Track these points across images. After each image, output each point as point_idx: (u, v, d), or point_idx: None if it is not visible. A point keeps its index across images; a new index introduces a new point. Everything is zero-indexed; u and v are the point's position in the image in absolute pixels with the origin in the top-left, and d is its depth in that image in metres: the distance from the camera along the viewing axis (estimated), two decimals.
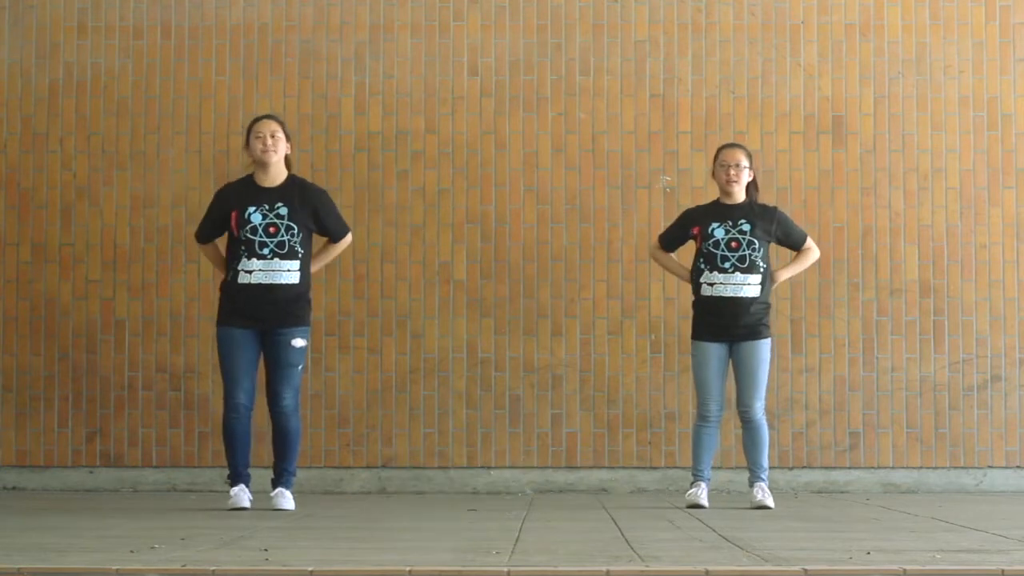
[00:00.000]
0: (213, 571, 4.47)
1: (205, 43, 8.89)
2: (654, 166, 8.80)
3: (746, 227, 7.37)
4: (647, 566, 4.60)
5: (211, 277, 8.64)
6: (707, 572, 4.48)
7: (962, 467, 8.68)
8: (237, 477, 7.09)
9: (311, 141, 8.79)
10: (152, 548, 5.11)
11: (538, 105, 8.84)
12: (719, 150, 7.56)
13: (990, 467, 8.69)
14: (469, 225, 8.79)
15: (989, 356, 8.73)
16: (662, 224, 8.44)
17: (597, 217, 8.79)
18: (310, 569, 4.48)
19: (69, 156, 8.85)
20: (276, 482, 7.11)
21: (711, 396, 7.40)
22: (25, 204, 8.84)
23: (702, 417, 7.43)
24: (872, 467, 8.67)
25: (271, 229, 7.04)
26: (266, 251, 7.03)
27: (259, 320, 7.04)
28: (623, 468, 8.65)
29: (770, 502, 7.25)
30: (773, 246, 7.56)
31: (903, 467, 8.67)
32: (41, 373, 8.75)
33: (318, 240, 7.29)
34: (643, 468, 8.65)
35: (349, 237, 7.39)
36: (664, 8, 8.88)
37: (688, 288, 7.59)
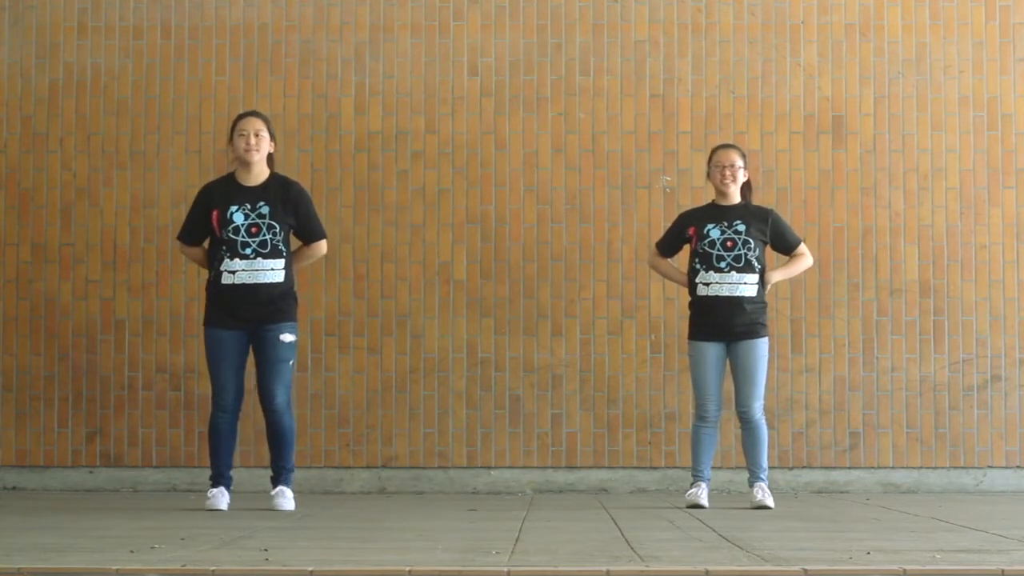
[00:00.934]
0: (213, 571, 4.47)
1: (205, 43, 8.89)
2: (654, 166, 8.80)
3: (741, 227, 7.37)
4: (647, 566, 4.60)
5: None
6: (707, 572, 4.48)
7: (962, 467, 8.68)
8: (218, 478, 7.07)
9: (311, 141, 8.79)
10: (152, 548, 5.11)
11: (538, 105, 8.84)
12: (713, 151, 7.56)
13: (990, 467, 8.69)
14: (469, 225, 8.79)
15: (989, 356, 8.73)
16: (662, 224, 8.44)
17: (597, 217, 8.79)
18: (310, 569, 4.48)
19: (69, 156, 8.85)
20: (275, 480, 7.10)
21: (709, 396, 7.39)
22: (25, 204, 8.84)
23: (700, 417, 7.43)
24: (872, 467, 8.67)
25: (253, 229, 7.00)
26: (248, 251, 6.99)
27: (245, 320, 7.02)
28: (623, 468, 8.65)
29: (770, 502, 7.25)
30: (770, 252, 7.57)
31: (903, 467, 8.67)
32: (41, 373, 8.75)
33: (293, 243, 7.23)
34: (643, 468, 8.65)
35: (324, 245, 7.26)
36: (664, 8, 8.88)
37: (686, 289, 7.59)
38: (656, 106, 8.85)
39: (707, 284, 7.37)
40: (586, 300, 8.75)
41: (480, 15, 8.88)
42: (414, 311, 8.75)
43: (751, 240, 7.36)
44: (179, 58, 8.89)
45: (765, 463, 7.39)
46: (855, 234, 8.78)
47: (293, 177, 7.54)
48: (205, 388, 8.64)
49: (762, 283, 7.41)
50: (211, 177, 8.65)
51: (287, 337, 7.05)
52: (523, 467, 8.65)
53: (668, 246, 7.67)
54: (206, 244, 7.23)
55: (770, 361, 7.52)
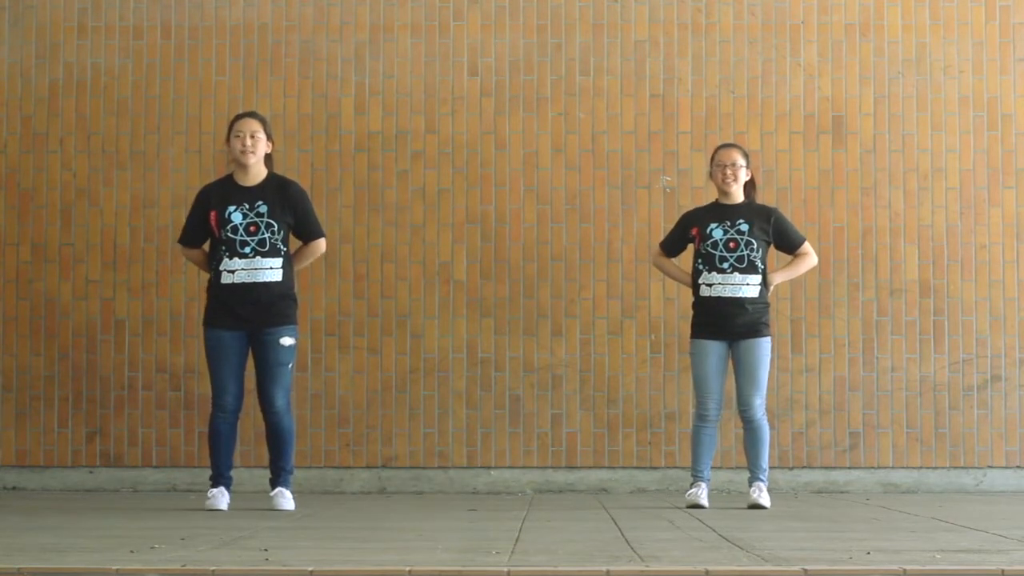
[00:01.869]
0: (213, 571, 4.46)
1: (205, 43, 8.89)
2: (654, 166, 8.80)
3: (744, 227, 7.37)
4: (647, 566, 4.60)
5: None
6: (707, 572, 4.48)
7: (962, 467, 8.68)
8: (218, 478, 7.06)
9: (311, 141, 8.79)
10: (152, 548, 5.11)
11: (538, 105, 8.84)
12: (715, 150, 7.55)
13: (990, 467, 8.69)
14: (469, 225, 8.79)
15: (989, 356, 8.73)
16: (662, 224, 8.45)
17: (597, 217, 8.79)
18: (310, 569, 4.48)
19: (69, 156, 8.85)
20: (274, 482, 7.10)
21: (710, 395, 7.38)
22: (25, 204, 8.84)
23: (700, 417, 7.42)
24: (872, 467, 8.67)
25: (252, 228, 7.00)
26: (247, 250, 6.99)
27: (245, 320, 7.01)
28: (623, 468, 8.65)
29: (765, 501, 7.24)
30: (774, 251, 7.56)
31: (903, 467, 8.67)
32: (41, 373, 8.75)
33: (293, 243, 7.23)
34: (643, 468, 8.65)
35: (323, 243, 7.26)
36: (664, 8, 8.88)
37: (688, 289, 7.58)
38: (656, 106, 8.85)
39: (710, 285, 7.37)
40: (586, 300, 8.75)
41: (480, 15, 8.88)
42: (414, 311, 8.75)
43: (754, 241, 7.35)
44: (179, 58, 8.89)
45: (766, 464, 7.38)
46: (855, 234, 8.78)
47: (292, 177, 7.55)
48: (205, 388, 8.64)
49: (764, 284, 7.40)
50: (211, 177, 8.65)
51: (287, 341, 7.05)
52: (523, 467, 8.65)
53: (671, 246, 7.65)
54: (206, 247, 7.23)
55: (771, 361, 7.51)
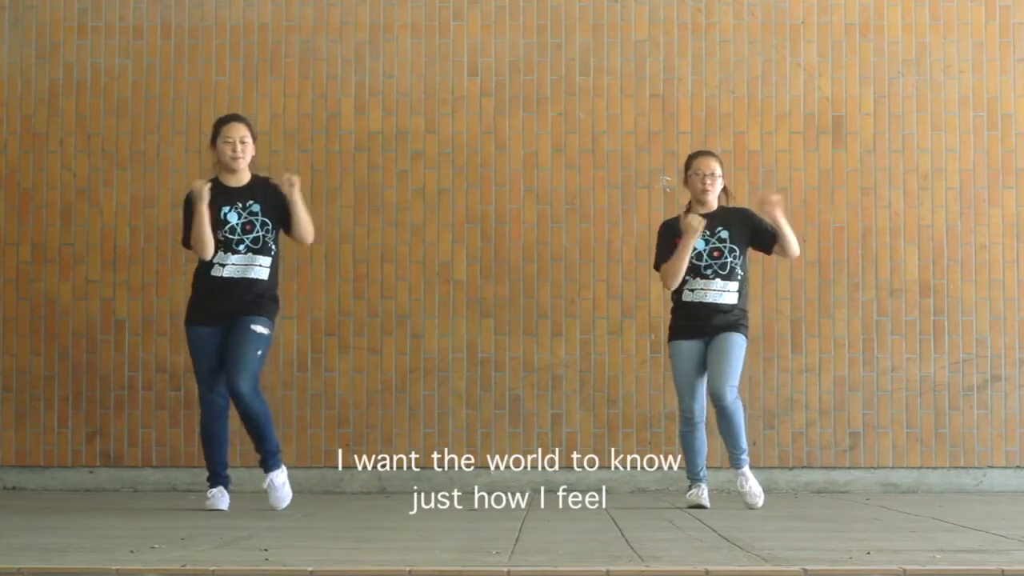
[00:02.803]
0: (213, 571, 4.47)
1: (205, 43, 8.89)
2: (654, 166, 8.80)
3: (724, 234, 7.33)
4: (647, 566, 4.60)
5: None
6: (707, 572, 4.48)
7: (962, 467, 8.68)
8: (216, 478, 7.03)
9: (311, 141, 8.79)
10: (152, 548, 5.11)
11: (538, 105, 8.84)
12: (691, 158, 7.47)
13: (990, 467, 8.69)
14: (469, 225, 8.79)
15: (989, 356, 8.73)
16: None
17: (597, 217, 8.79)
18: (310, 569, 4.48)
19: (69, 156, 8.85)
20: (264, 465, 7.03)
21: (692, 395, 7.30)
22: (25, 204, 8.84)
23: (685, 421, 7.35)
24: (872, 467, 8.67)
25: (247, 227, 7.04)
26: (242, 247, 7.02)
27: (226, 315, 6.99)
28: (623, 468, 8.63)
29: (758, 501, 7.22)
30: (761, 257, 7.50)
31: (903, 467, 8.67)
32: (41, 373, 8.75)
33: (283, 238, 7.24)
34: (643, 468, 8.63)
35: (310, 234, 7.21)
36: (664, 8, 8.88)
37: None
38: (656, 106, 8.85)
39: (692, 290, 7.34)
40: (586, 300, 8.75)
41: (480, 15, 8.88)
42: (414, 311, 8.75)
43: (736, 247, 7.33)
44: (179, 58, 8.89)
45: (744, 443, 7.28)
46: (855, 234, 8.78)
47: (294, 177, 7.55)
48: None
49: (744, 291, 7.36)
50: (211, 177, 8.66)
51: (259, 328, 6.97)
52: (523, 467, 8.63)
53: (666, 259, 7.50)
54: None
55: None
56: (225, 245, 7.03)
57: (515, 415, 8.69)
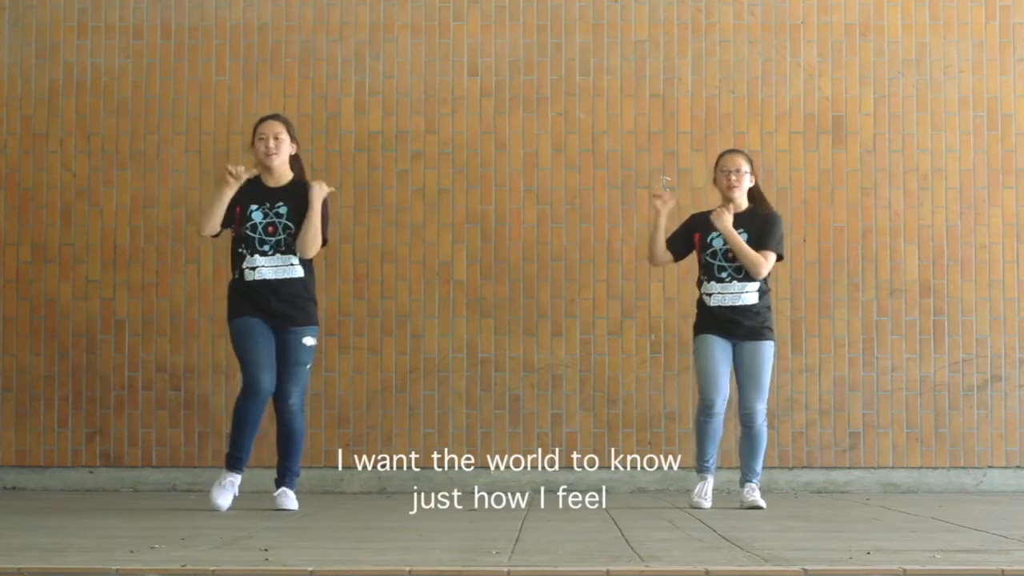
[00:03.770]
0: (213, 571, 4.47)
1: (205, 43, 8.89)
2: (654, 166, 8.80)
3: (744, 236, 7.32)
4: (647, 566, 4.60)
5: (211, 276, 8.66)
6: (707, 572, 4.48)
7: (962, 467, 8.68)
8: (236, 462, 7.00)
9: (311, 141, 8.78)
10: (152, 548, 5.11)
11: (538, 105, 8.84)
12: (720, 156, 7.50)
13: (990, 467, 8.69)
14: (469, 225, 8.79)
15: (989, 356, 8.73)
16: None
17: (597, 217, 8.79)
18: (310, 569, 4.48)
19: (69, 156, 8.85)
20: (280, 482, 7.10)
21: (715, 388, 7.28)
22: (25, 204, 8.84)
23: (704, 410, 7.30)
24: (872, 467, 8.67)
25: (270, 228, 7.04)
26: (267, 248, 7.03)
27: (271, 316, 7.02)
28: (623, 468, 8.63)
29: (762, 503, 7.24)
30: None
31: (903, 467, 8.67)
32: (41, 373, 8.75)
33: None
34: (643, 468, 8.63)
35: (320, 245, 7.22)
36: (664, 8, 8.88)
37: (688, 288, 7.57)
38: (656, 106, 8.85)
39: (710, 295, 7.34)
40: (586, 300, 8.75)
41: (480, 15, 8.88)
42: (414, 311, 8.75)
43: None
44: (179, 58, 8.89)
45: (760, 468, 7.35)
46: (855, 234, 8.78)
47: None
48: (205, 388, 8.66)
49: (763, 288, 7.37)
50: (211, 177, 8.67)
51: (309, 341, 7.08)
52: (523, 467, 8.63)
53: (674, 242, 7.52)
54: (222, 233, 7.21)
55: (773, 366, 7.47)
56: (248, 245, 7.03)
57: (515, 415, 8.69)
